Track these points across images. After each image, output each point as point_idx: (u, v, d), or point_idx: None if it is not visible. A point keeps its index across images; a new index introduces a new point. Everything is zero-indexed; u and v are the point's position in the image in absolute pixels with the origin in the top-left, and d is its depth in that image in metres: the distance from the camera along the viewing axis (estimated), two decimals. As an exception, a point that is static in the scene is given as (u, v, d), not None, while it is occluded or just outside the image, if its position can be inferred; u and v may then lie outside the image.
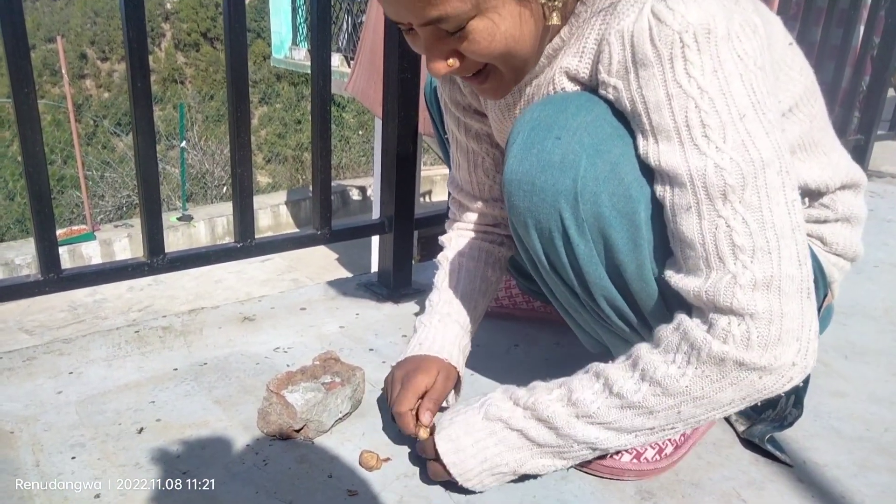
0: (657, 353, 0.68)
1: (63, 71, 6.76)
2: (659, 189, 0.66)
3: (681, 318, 0.68)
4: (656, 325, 0.72)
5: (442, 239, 1.06)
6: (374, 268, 1.46)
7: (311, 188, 1.29)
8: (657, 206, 0.67)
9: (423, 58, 0.73)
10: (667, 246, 0.69)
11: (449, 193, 1.08)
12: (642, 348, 0.70)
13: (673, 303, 0.71)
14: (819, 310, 0.83)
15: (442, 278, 1.01)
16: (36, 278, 1.02)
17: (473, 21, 0.65)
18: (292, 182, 11.38)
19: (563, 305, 0.84)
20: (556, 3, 0.66)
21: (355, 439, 0.90)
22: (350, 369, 0.95)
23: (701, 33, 0.60)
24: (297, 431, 0.88)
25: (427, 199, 8.52)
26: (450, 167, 1.09)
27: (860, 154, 2.43)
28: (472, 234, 1.03)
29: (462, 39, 0.67)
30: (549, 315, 1.21)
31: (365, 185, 8.71)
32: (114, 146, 11.59)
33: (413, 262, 1.42)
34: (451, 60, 0.70)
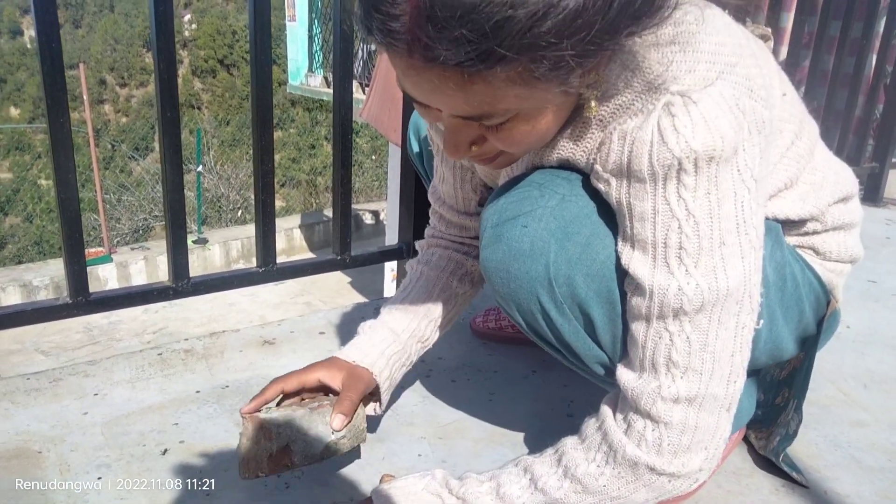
0: (580, 451, 0.70)
1: (84, 97, 6.90)
2: (626, 280, 0.67)
3: (605, 414, 0.70)
4: None
5: (417, 244, 1.06)
6: (387, 292, 1.48)
7: (324, 212, 1.31)
8: None
9: (417, 115, 0.72)
10: None
11: (429, 204, 1.06)
12: (567, 444, 0.72)
13: None
14: (824, 318, 0.84)
15: (401, 287, 1.00)
16: (65, 301, 1.05)
17: (516, 118, 0.61)
18: (306, 206, 11.48)
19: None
20: (597, 92, 0.63)
21: (376, 464, 0.91)
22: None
23: (703, 159, 0.59)
24: (281, 459, 0.76)
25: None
26: (428, 179, 1.09)
27: (875, 182, 2.43)
28: (447, 244, 1.01)
29: (495, 131, 0.62)
30: (566, 341, 1.22)
31: (378, 209, 8.77)
32: (130, 170, 11.78)
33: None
34: (474, 147, 0.66)
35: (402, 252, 1.38)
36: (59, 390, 1.05)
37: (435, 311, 0.95)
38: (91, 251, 6.63)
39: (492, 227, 0.72)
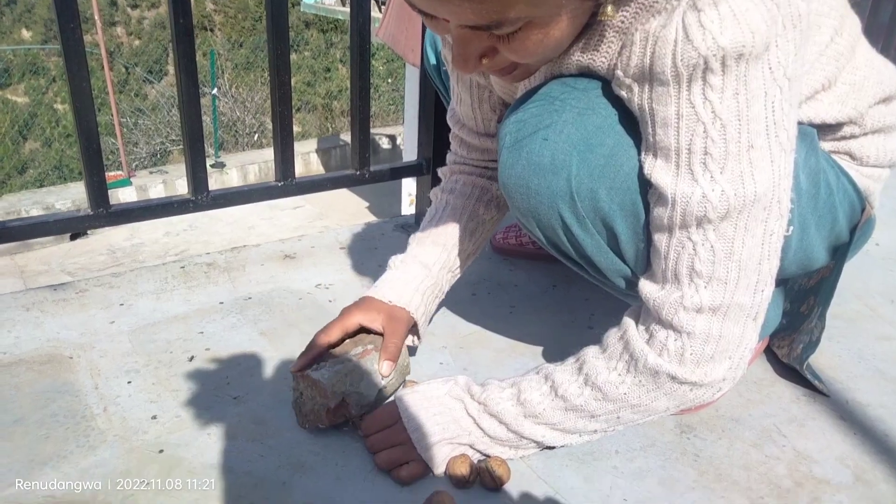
0: (601, 359, 0.70)
1: (96, 17, 6.76)
2: (649, 190, 0.65)
3: (627, 325, 0.70)
4: None
5: (440, 172, 1.02)
6: (411, 209, 1.47)
7: (341, 137, 1.29)
8: None
9: (429, 31, 0.69)
10: None
11: (449, 129, 1.03)
12: (589, 353, 0.72)
13: None
14: (857, 226, 0.81)
15: (427, 217, 0.97)
16: (86, 213, 1.05)
17: (528, 26, 0.57)
18: (322, 131, 11.36)
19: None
20: None
21: (398, 371, 0.92)
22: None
23: (731, 57, 0.55)
24: (338, 411, 0.77)
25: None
26: (446, 96, 1.06)
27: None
28: (470, 170, 0.98)
29: (506, 41, 0.59)
30: (587, 256, 1.21)
31: (395, 133, 8.65)
32: (145, 94, 11.67)
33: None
34: (485, 60, 0.62)
35: (422, 168, 1.36)
36: (86, 300, 1.07)
37: (464, 240, 0.94)
38: (110, 175, 6.66)
39: (510, 142, 0.69)
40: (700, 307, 0.64)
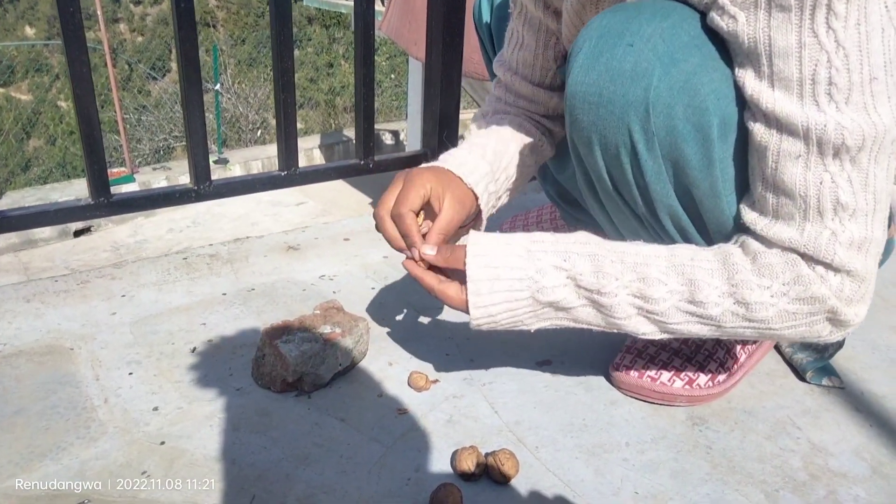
0: (753, 273, 0.64)
1: (98, 13, 6.75)
2: (759, 127, 0.61)
3: (789, 244, 0.63)
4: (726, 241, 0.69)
5: (476, 113, 0.95)
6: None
7: (344, 132, 1.27)
8: (731, 123, 0.64)
9: None
10: (738, 167, 0.66)
11: (494, 78, 0.97)
12: (737, 259, 0.65)
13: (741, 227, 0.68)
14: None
15: (471, 134, 0.89)
16: (87, 202, 1.03)
17: None
18: (325, 127, 11.35)
19: (615, 226, 0.81)
20: None
21: (403, 362, 0.90)
22: (352, 319, 0.89)
23: None
24: (293, 385, 0.82)
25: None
26: (494, 53, 1.02)
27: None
28: (517, 112, 0.92)
29: None
30: (595, 247, 1.19)
31: (398, 128, 8.64)
32: (149, 91, 11.67)
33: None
34: None
35: (426, 157, 1.34)
36: (87, 292, 1.06)
37: (523, 155, 0.87)
38: (114, 171, 6.66)
39: (591, 46, 0.64)
40: (852, 241, 0.61)
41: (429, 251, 0.73)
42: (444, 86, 1.26)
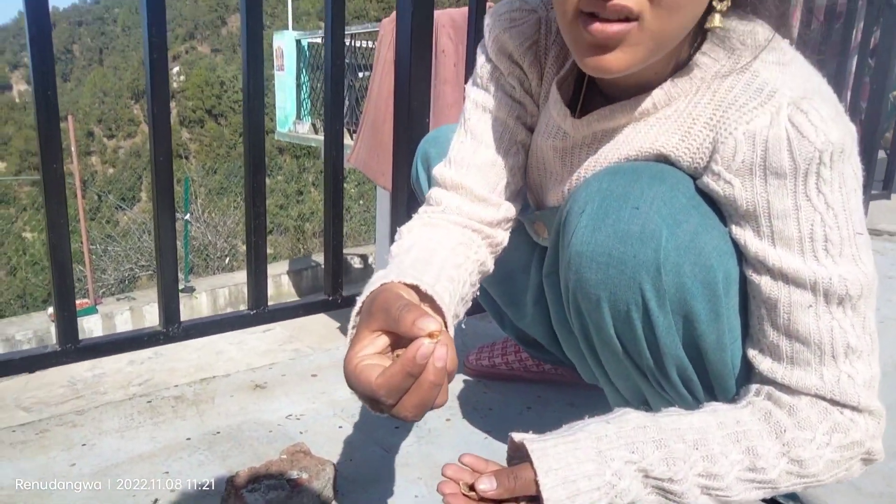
0: (797, 428, 0.66)
1: (72, 149, 6.93)
2: (766, 281, 0.66)
3: (815, 391, 0.66)
4: (725, 394, 0.73)
5: (401, 229, 0.81)
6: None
7: (312, 258, 1.32)
8: (732, 278, 0.68)
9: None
10: (738, 317, 0.70)
11: (428, 182, 0.86)
12: (779, 417, 0.66)
13: (747, 374, 0.72)
14: None
15: (404, 246, 0.75)
16: (54, 349, 1.03)
17: None
18: (293, 252, 11.46)
19: (606, 375, 0.82)
20: (724, 4, 0.62)
21: (372, 506, 0.89)
22: (319, 463, 0.89)
23: (836, 152, 0.61)
24: None
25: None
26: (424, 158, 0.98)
27: (856, 213, 2.48)
28: (455, 224, 0.81)
29: None
30: (560, 377, 1.21)
31: (366, 252, 8.77)
32: (117, 220, 11.75)
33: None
34: None
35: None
36: (46, 442, 1.03)
37: (459, 290, 0.74)
38: (76, 302, 6.55)
39: (594, 209, 0.67)
40: (865, 382, 0.65)
41: (486, 485, 0.61)
42: (409, 213, 1.32)
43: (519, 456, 0.63)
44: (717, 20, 0.64)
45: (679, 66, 0.69)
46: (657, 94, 0.69)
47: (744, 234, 0.66)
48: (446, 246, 0.76)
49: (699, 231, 0.67)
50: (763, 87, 0.64)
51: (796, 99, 0.62)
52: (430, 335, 0.51)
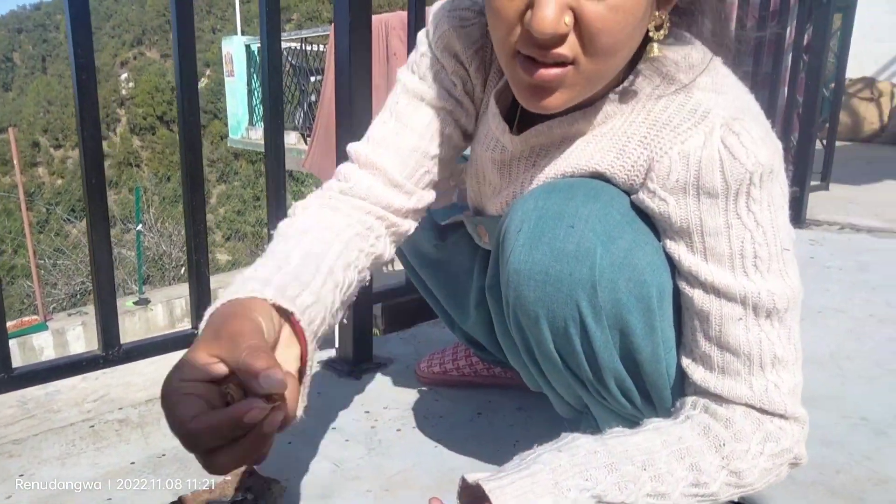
0: (734, 440, 0.67)
1: (14, 161, 6.70)
2: (698, 294, 0.68)
3: (745, 401, 0.68)
4: (662, 402, 0.75)
5: (296, 205, 0.80)
6: (337, 341, 1.46)
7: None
8: (665, 291, 0.70)
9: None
10: (672, 328, 0.72)
11: (344, 157, 0.83)
12: (717, 431, 0.68)
13: (682, 383, 0.74)
14: None
15: (274, 244, 0.72)
16: (-15, 378, 1.00)
17: None
18: (252, 258, 11.29)
19: (549, 384, 0.83)
20: (660, 34, 0.65)
21: (320, 523, 0.88)
22: (265, 483, 0.88)
23: (766, 172, 0.64)
24: None
25: (389, 268, 8.52)
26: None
27: (797, 205, 2.56)
28: (358, 210, 0.78)
29: (600, 0, 0.58)
30: (510, 381, 1.23)
31: (326, 257, 8.68)
32: (67, 233, 11.40)
33: (375, 334, 1.43)
34: (567, 18, 0.59)
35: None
36: (-19, 474, 0.99)
37: (334, 292, 0.69)
38: (25, 320, 6.33)
39: (530, 227, 0.69)
40: (790, 390, 0.68)
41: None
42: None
43: (472, 495, 0.62)
44: (655, 50, 0.67)
45: (614, 85, 0.71)
46: (593, 114, 0.72)
47: (677, 249, 0.68)
48: (342, 239, 0.73)
49: (633, 247, 0.69)
50: (697, 108, 0.67)
51: (728, 120, 0.65)
52: (269, 398, 0.48)
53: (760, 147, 0.63)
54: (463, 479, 0.63)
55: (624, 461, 0.64)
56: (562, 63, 0.62)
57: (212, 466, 0.51)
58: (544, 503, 0.60)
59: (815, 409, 1.16)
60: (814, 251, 2.24)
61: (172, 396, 0.50)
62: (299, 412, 0.58)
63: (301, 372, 0.61)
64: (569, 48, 0.61)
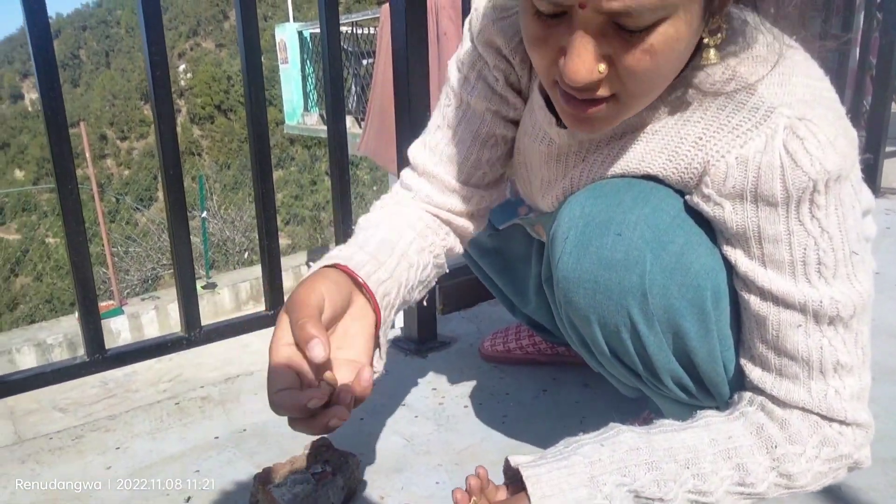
0: (788, 442, 0.66)
1: (87, 155, 7.03)
2: (754, 300, 0.66)
3: (802, 405, 0.66)
4: (721, 396, 0.73)
5: (375, 203, 0.86)
6: (399, 322, 1.50)
7: (330, 246, 1.34)
8: (721, 293, 0.68)
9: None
10: (729, 328, 0.70)
11: (407, 165, 0.87)
12: (770, 431, 0.66)
13: (741, 377, 0.72)
14: None
15: (366, 230, 0.77)
16: (83, 360, 1.08)
17: (663, 23, 0.53)
18: (311, 242, 11.55)
19: (611, 374, 0.82)
20: (717, 38, 0.59)
21: (394, 493, 0.92)
22: (343, 456, 0.92)
23: (833, 179, 0.60)
24: None
25: (445, 248, 8.56)
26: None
27: (871, 173, 2.45)
28: (425, 210, 0.83)
29: (634, 46, 0.54)
30: (574, 359, 1.24)
31: (382, 239, 8.79)
32: (136, 221, 11.92)
33: (437, 313, 1.46)
34: (601, 67, 0.56)
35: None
36: (82, 447, 1.08)
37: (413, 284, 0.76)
38: (102, 305, 6.68)
39: (577, 235, 0.68)
40: (853, 395, 0.66)
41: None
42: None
43: (513, 477, 0.64)
44: (711, 55, 0.60)
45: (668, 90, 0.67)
46: (646, 111, 0.67)
47: (734, 253, 0.66)
48: (415, 228, 0.79)
49: (685, 251, 0.67)
50: (759, 106, 0.62)
51: (793, 120, 0.60)
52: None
53: (828, 152, 0.59)
54: (507, 460, 0.65)
55: (666, 459, 0.63)
56: (602, 98, 0.60)
57: (294, 427, 0.59)
58: (578, 495, 0.60)
59: (892, 384, 1.13)
60: (890, 221, 2.14)
61: (273, 359, 0.59)
62: (378, 367, 0.70)
63: (376, 338, 0.68)
64: (608, 88, 0.59)
